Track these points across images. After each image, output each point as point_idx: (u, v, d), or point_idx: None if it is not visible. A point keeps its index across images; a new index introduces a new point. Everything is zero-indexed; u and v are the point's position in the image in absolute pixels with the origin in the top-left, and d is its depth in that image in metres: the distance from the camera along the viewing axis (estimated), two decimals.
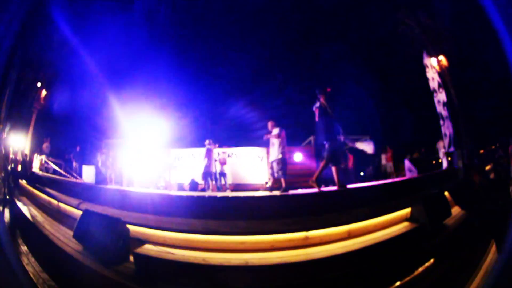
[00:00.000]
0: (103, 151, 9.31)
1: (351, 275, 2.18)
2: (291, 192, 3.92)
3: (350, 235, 2.68)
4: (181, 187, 8.99)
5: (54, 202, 4.17)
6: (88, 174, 4.77)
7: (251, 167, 10.67)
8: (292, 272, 2.05)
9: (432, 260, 2.42)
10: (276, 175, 4.87)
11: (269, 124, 5.47)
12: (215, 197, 3.63)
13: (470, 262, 2.69)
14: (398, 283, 2.24)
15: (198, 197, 3.76)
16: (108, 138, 11.94)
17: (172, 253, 2.36)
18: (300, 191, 4.12)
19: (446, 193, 3.76)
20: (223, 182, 7.89)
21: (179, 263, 2.15)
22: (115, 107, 13.18)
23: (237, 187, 9.13)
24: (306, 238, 2.46)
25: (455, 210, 3.62)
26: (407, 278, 2.31)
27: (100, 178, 4.63)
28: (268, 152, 10.31)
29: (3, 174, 6.28)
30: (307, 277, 2.06)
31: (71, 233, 3.02)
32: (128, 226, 2.76)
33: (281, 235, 2.42)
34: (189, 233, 2.55)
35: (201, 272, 2.03)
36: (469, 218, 3.43)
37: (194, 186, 8.73)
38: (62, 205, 3.97)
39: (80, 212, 3.26)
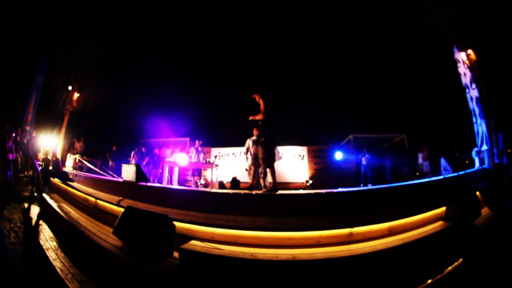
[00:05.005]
0: (138, 150, 9.47)
1: (389, 271, 2.23)
2: (335, 190, 4.07)
3: (390, 232, 2.74)
4: (221, 185, 9.06)
5: (92, 199, 4.20)
6: (128, 172, 4.72)
7: (292, 165, 10.74)
8: (336, 267, 2.10)
9: (461, 260, 2.47)
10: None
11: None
12: (260, 195, 3.76)
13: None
14: (429, 281, 2.28)
15: (244, 194, 3.81)
16: (144, 137, 12.19)
17: (220, 249, 2.40)
18: (344, 189, 4.26)
19: (477, 193, 3.83)
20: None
21: (227, 258, 2.18)
22: (152, 107, 13.37)
23: (278, 185, 9.05)
24: (351, 234, 2.51)
25: (484, 211, 3.71)
26: (438, 276, 2.34)
27: (141, 176, 4.62)
28: (308, 151, 10.56)
29: (31, 173, 6.49)
30: (350, 272, 2.11)
31: (109, 229, 3.09)
32: (174, 222, 2.78)
33: (326, 231, 2.47)
34: (236, 229, 2.60)
35: (250, 267, 2.07)
36: (496, 219, 3.50)
37: (235, 184, 8.82)
38: (100, 202, 3.98)
39: (119, 209, 3.33)
